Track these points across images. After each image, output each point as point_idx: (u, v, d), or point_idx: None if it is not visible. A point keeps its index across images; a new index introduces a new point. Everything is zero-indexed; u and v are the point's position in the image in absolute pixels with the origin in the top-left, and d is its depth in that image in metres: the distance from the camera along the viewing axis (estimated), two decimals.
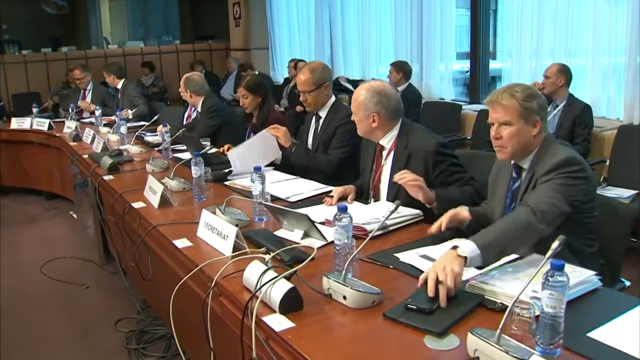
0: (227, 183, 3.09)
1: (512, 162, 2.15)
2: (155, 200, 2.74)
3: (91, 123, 5.53)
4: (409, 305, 1.59)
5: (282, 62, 9.13)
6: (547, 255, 1.43)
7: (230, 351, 1.82)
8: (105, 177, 3.39)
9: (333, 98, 3.28)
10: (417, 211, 2.38)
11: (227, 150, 3.72)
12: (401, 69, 5.74)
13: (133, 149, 4.06)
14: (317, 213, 2.43)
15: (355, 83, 7.52)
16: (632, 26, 4.50)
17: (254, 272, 1.72)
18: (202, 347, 1.99)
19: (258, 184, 2.40)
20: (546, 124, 2.06)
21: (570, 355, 1.40)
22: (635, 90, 4.58)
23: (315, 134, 3.31)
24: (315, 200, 2.73)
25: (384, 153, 2.64)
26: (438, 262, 1.71)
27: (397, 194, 2.50)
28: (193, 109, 4.92)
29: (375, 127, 2.57)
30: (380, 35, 7.35)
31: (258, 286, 1.63)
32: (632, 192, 3.88)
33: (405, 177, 2.31)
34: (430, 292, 1.62)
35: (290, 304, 1.59)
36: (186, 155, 3.84)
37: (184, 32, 11.61)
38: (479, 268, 1.80)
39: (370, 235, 1.83)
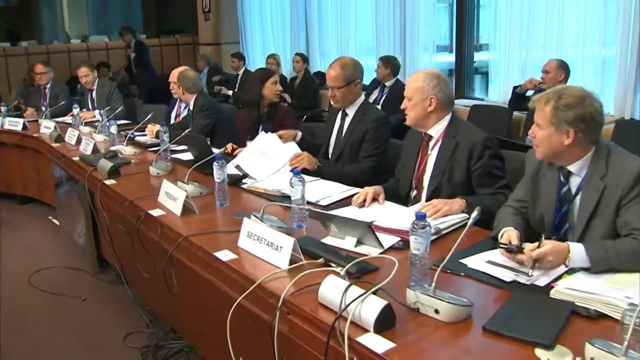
0: (244, 186, 2.93)
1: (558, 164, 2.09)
2: (176, 208, 2.55)
3: (65, 122, 5.23)
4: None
5: (255, 57, 8.92)
6: None
7: None
8: (107, 182, 3.17)
9: (362, 97, 3.17)
10: (464, 215, 2.29)
11: (232, 150, 3.56)
12: (390, 64, 5.66)
13: (127, 150, 3.83)
14: (352, 216, 2.30)
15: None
16: (624, 18, 4.55)
17: (333, 288, 1.58)
18: None
19: (299, 188, 2.26)
20: (592, 135, 1.97)
21: None
22: (627, 84, 4.63)
23: (340, 132, 3.17)
24: (345, 202, 2.61)
25: (431, 143, 2.59)
26: (550, 249, 1.79)
27: (439, 187, 2.51)
28: (183, 107, 4.71)
29: (431, 111, 2.51)
30: (360, 27, 7.25)
31: (344, 304, 1.50)
32: None
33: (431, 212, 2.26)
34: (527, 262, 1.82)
35: (386, 322, 1.47)
36: (186, 156, 3.65)
37: (148, 26, 11.19)
38: None
39: (457, 242, 1.70)
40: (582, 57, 4.94)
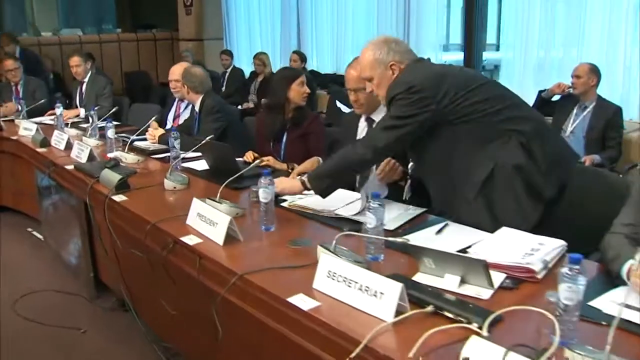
0: (285, 204, 2.52)
1: None
2: (216, 235, 2.11)
3: (44, 123, 4.71)
4: None
5: (241, 55, 8.45)
6: None
7: None
8: (116, 198, 2.72)
9: None
10: (562, 242, 1.96)
11: (253, 158, 3.16)
12: None
13: (129, 157, 3.36)
14: (428, 243, 1.93)
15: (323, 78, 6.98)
16: None
17: (481, 356, 1.22)
18: None
19: (378, 213, 1.88)
20: None
21: None
22: None
23: None
24: (416, 226, 2.23)
25: None
26: None
27: None
28: (183, 107, 4.27)
29: (396, 77, 2.25)
30: (357, 24, 6.88)
31: None
32: None
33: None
34: None
35: None
36: (200, 165, 3.23)
37: (122, 20, 10.58)
38: None
39: None
40: (606, 59, 4.70)
